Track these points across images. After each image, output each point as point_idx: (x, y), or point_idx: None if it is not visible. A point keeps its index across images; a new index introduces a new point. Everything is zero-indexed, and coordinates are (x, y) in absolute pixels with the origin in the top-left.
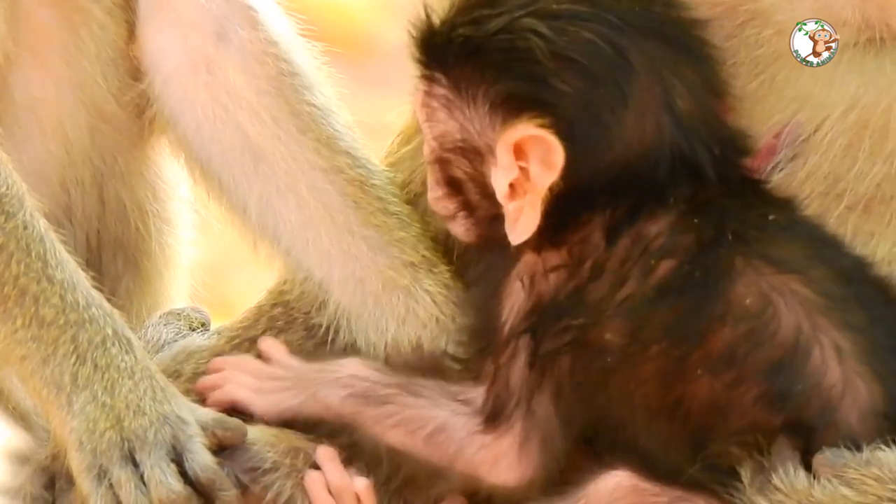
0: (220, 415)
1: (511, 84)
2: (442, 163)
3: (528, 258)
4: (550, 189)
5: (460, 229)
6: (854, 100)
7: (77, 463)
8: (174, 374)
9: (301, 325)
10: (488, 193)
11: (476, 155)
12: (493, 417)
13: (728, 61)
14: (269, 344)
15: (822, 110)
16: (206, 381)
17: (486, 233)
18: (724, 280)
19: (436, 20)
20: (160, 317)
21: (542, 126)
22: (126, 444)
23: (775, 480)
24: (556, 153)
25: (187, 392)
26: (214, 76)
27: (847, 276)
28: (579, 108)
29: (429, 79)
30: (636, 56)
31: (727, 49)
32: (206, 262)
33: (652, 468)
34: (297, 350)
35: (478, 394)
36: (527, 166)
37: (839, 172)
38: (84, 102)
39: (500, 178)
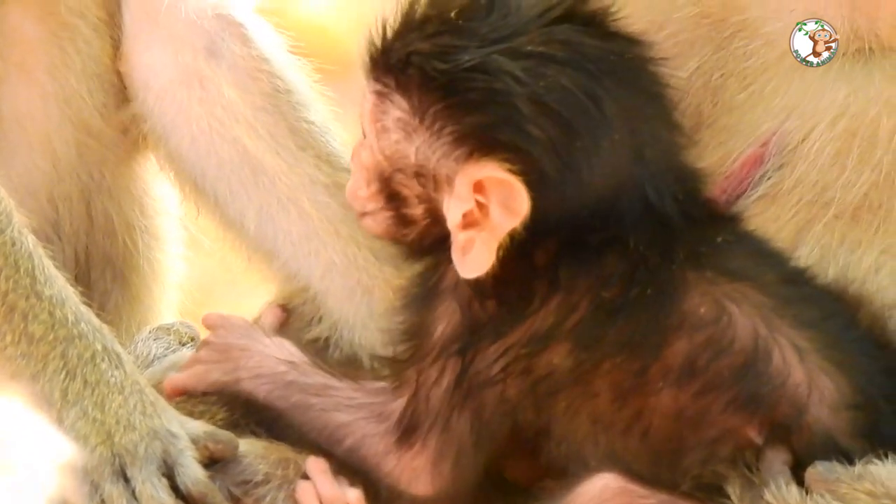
0: (212, 427)
1: (482, 122)
2: (384, 175)
3: (470, 283)
4: (510, 233)
5: (374, 224)
6: (843, 109)
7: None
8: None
9: (295, 340)
10: (434, 216)
11: (429, 180)
12: (408, 434)
13: (717, 73)
14: (269, 312)
15: (811, 119)
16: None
17: (419, 245)
18: (677, 293)
19: (394, 38)
20: (150, 332)
21: (510, 171)
22: (117, 459)
23: (767, 496)
24: (521, 200)
25: (178, 406)
26: (208, 91)
27: (795, 279)
28: (551, 156)
29: (383, 96)
30: (610, 106)
31: (716, 61)
32: (195, 277)
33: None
34: None
35: (396, 405)
36: (486, 203)
37: (827, 181)
38: (70, 118)
39: (454, 207)
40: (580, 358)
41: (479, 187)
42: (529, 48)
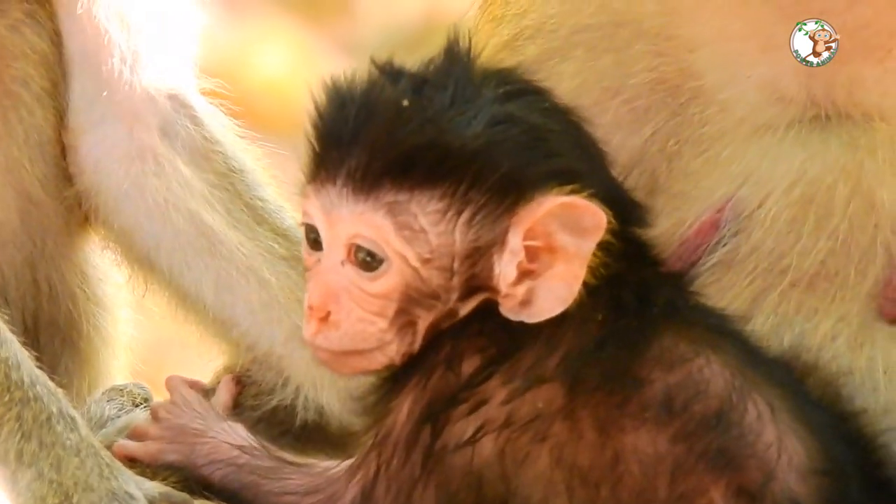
0: (167, 488)
1: (516, 166)
2: (415, 286)
3: (466, 342)
4: (603, 249)
5: (380, 359)
6: (799, 175)
7: None
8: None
9: (249, 408)
10: (469, 294)
11: (477, 255)
12: None
13: (672, 139)
14: (224, 385)
15: (767, 185)
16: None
17: (412, 348)
18: (658, 328)
19: (372, 153)
20: (102, 393)
21: (571, 192)
22: None
23: None
24: (593, 214)
25: (132, 466)
26: (163, 167)
27: (755, 342)
28: (588, 172)
29: (398, 205)
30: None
31: (672, 127)
32: (145, 339)
33: None
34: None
35: (350, 493)
36: (544, 244)
37: (783, 248)
38: (13, 185)
39: (507, 265)
40: (569, 394)
41: (531, 233)
42: (504, 96)
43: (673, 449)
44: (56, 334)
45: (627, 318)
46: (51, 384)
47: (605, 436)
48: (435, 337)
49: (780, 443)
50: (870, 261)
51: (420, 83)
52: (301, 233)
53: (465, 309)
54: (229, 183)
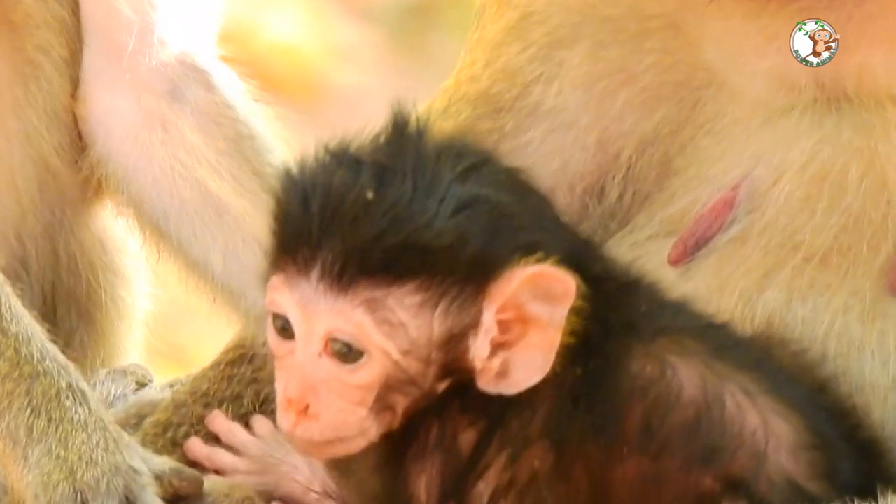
0: (177, 464)
1: (484, 246)
2: (396, 376)
3: (454, 421)
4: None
5: (359, 442)
6: (812, 155)
7: None
8: (131, 428)
9: (255, 385)
10: (445, 376)
11: (453, 340)
12: None
13: (685, 122)
14: (257, 420)
15: (781, 165)
16: (195, 448)
17: (390, 427)
18: (622, 361)
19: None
20: (106, 374)
21: (538, 261)
22: (79, 495)
23: None
24: (561, 280)
25: (142, 444)
26: (171, 134)
27: (721, 328)
28: (549, 238)
29: (375, 302)
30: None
31: (686, 112)
32: (159, 313)
33: None
34: (251, 409)
35: None
36: (515, 316)
37: (796, 225)
38: (31, 156)
39: (481, 344)
40: (558, 452)
41: (503, 308)
42: (463, 176)
43: (657, 464)
44: (73, 306)
45: (594, 361)
46: (62, 358)
47: (597, 480)
48: (417, 416)
49: (765, 426)
50: (882, 237)
51: (379, 172)
52: (268, 321)
53: (442, 387)
54: (238, 149)
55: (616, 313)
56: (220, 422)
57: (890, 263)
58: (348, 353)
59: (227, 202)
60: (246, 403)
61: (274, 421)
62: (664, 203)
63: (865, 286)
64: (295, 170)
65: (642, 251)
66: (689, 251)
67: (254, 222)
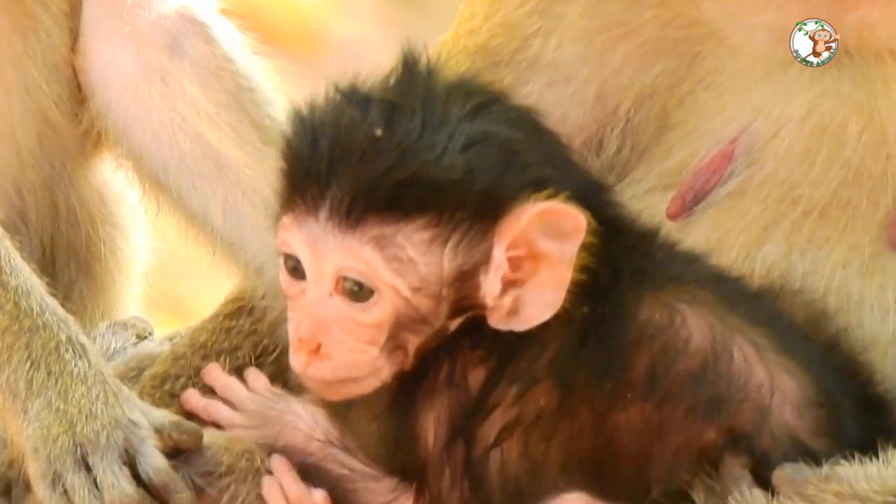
0: (177, 417)
1: (494, 182)
2: (406, 314)
3: (463, 357)
4: (587, 251)
5: (372, 382)
6: (811, 108)
7: (33, 470)
8: (130, 381)
9: (253, 337)
10: (456, 314)
11: (465, 276)
12: None
13: (683, 76)
14: (251, 374)
15: (780, 118)
16: (192, 400)
17: (403, 367)
18: (632, 306)
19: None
20: (106, 327)
21: (549, 197)
22: (79, 448)
23: (731, 502)
24: (572, 217)
25: (140, 397)
26: (170, 87)
27: (733, 279)
28: (560, 175)
29: (385, 239)
30: (553, 141)
31: (685, 66)
32: (158, 265)
33: None
34: (248, 361)
35: None
36: (526, 252)
37: (796, 178)
38: (31, 108)
39: (492, 280)
40: (564, 391)
41: (513, 244)
42: (472, 113)
43: (660, 413)
44: (72, 259)
45: (603, 304)
46: (61, 311)
47: (600, 423)
48: (428, 355)
49: (771, 381)
50: (881, 191)
51: (388, 109)
52: (280, 261)
53: (454, 325)
54: (237, 101)
55: (628, 259)
56: (216, 375)
57: (889, 218)
58: (359, 292)
59: (226, 155)
60: (244, 355)
61: (271, 373)
62: (662, 156)
63: (865, 240)
64: (304, 110)
65: (641, 205)
66: (687, 205)
67: (253, 175)
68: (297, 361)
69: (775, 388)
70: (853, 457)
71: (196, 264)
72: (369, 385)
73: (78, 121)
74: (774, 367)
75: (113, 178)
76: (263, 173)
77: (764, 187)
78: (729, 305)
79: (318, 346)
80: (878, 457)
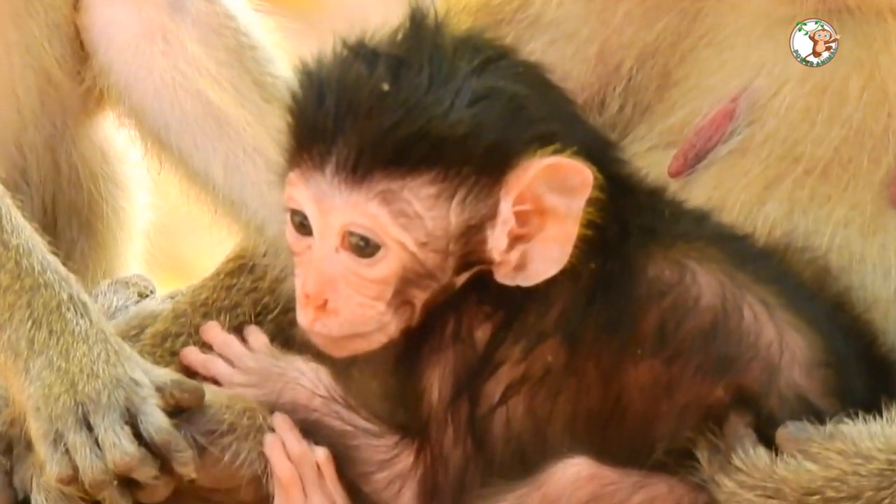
0: (179, 376)
1: (502, 137)
2: (412, 268)
3: (469, 313)
4: (594, 206)
5: (379, 338)
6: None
7: (34, 429)
8: (132, 339)
9: (254, 295)
10: (463, 269)
11: (471, 231)
12: (430, 496)
13: (685, 34)
14: (251, 332)
15: (781, 76)
16: (191, 355)
17: (410, 322)
18: (641, 262)
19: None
20: (108, 285)
21: (555, 152)
22: (80, 407)
23: (735, 460)
24: (578, 171)
25: (140, 354)
26: (171, 45)
27: (741, 237)
28: (566, 130)
29: (391, 194)
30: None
31: (686, 23)
32: (160, 223)
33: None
34: (248, 319)
35: (413, 468)
36: (533, 207)
37: (797, 136)
38: (32, 66)
39: (498, 235)
40: (571, 347)
41: (520, 199)
42: (479, 68)
43: (669, 370)
44: (74, 217)
45: (612, 261)
46: (63, 270)
47: (609, 380)
48: (434, 311)
49: (780, 339)
50: (883, 149)
51: (396, 64)
52: (286, 217)
53: (461, 281)
54: (239, 59)
55: (636, 215)
56: (214, 333)
57: (891, 176)
58: (365, 247)
59: (227, 113)
60: (244, 313)
61: (271, 332)
62: (664, 114)
63: (866, 199)
64: (311, 65)
65: (643, 163)
66: (689, 163)
67: (254, 133)
68: (303, 317)
69: (784, 347)
70: (857, 415)
71: (198, 222)
72: (376, 341)
73: (80, 79)
74: (784, 325)
75: (115, 137)
76: (265, 131)
77: (765, 145)
78: (738, 263)
79: (325, 302)
80: (881, 415)
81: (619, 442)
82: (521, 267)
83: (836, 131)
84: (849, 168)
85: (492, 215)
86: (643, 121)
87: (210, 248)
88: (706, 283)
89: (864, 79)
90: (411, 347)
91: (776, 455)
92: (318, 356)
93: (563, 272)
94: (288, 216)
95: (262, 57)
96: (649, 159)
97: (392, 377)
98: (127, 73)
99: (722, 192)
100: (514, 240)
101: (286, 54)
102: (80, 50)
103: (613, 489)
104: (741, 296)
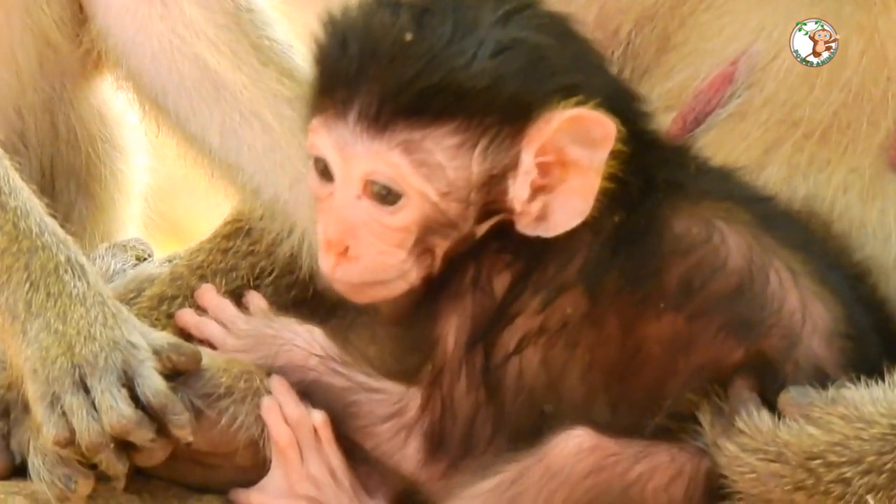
0: (176, 339)
1: (524, 88)
2: (434, 218)
3: (489, 261)
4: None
5: (401, 285)
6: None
7: (31, 391)
8: (129, 302)
9: (251, 258)
10: (483, 218)
11: (493, 181)
12: (436, 449)
13: (686, 1)
14: (251, 297)
15: (780, 40)
16: (185, 317)
17: (436, 274)
18: (667, 217)
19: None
20: (106, 248)
21: (578, 104)
22: (77, 370)
23: (738, 423)
24: (602, 124)
25: (138, 317)
26: (169, 9)
27: (767, 200)
28: (590, 82)
29: (414, 144)
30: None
31: None
32: (158, 187)
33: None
34: (246, 282)
35: (422, 424)
36: (556, 159)
37: (796, 100)
38: (31, 29)
39: (520, 185)
40: (592, 299)
41: (542, 150)
42: (503, 18)
43: (690, 327)
44: (72, 180)
45: (637, 214)
46: (60, 232)
47: (629, 332)
48: (455, 259)
49: (804, 308)
50: (882, 113)
51: (419, 14)
52: (310, 164)
53: (482, 231)
54: (236, 22)
55: (661, 169)
56: (209, 296)
57: (890, 140)
58: (387, 195)
59: (224, 77)
60: (241, 276)
61: (269, 295)
62: (663, 78)
63: (865, 163)
64: (336, 13)
65: None
66: (688, 127)
67: (251, 96)
68: (325, 263)
69: (807, 316)
70: (859, 380)
71: (195, 186)
72: (397, 288)
73: (78, 42)
74: (808, 294)
75: (113, 100)
76: (261, 94)
77: (764, 109)
78: (765, 226)
79: (346, 249)
80: (883, 380)
81: (633, 396)
82: (542, 217)
83: (836, 95)
84: (848, 132)
85: (514, 165)
86: (642, 84)
87: (207, 212)
88: (734, 244)
89: (864, 42)
90: (431, 295)
91: (779, 419)
92: (313, 319)
93: (585, 224)
94: (311, 162)
95: (260, 20)
96: None
97: (405, 325)
98: (125, 35)
99: (721, 156)
100: (536, 190)
101: (284, 18)
102: (78, 12)
103: (615, 460)
104: (768, 260)
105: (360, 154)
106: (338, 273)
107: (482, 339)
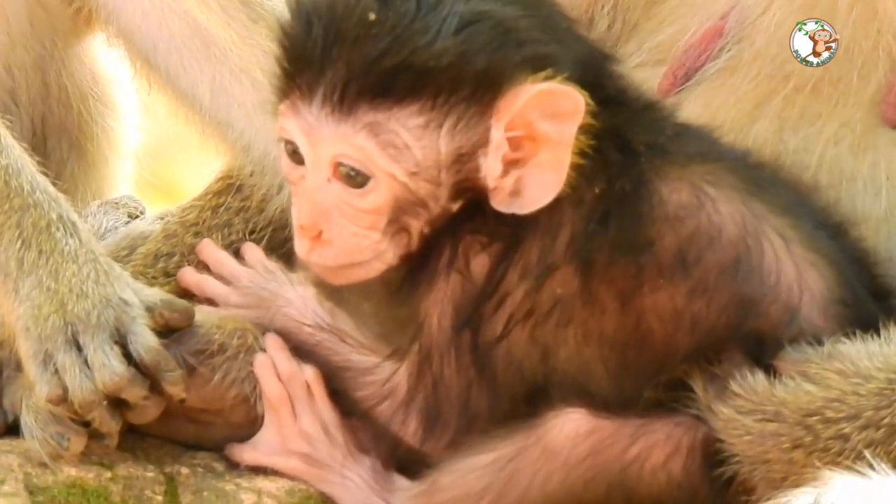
0: (169, 296)
1: (490, 63)
2: (405, 197)
3: (465, 242)
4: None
5: (377, 266)
6: None
7: (24, 349)
8: (122, 259)
9: (244, 214)
10: (457, 196)
11: (463, 158)
12: (432, 425)
13: None
14: (248, 248)
15: None
16: (187, 276)
17: (415, 253)
18: (653, 181)
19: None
20: (98, 206)
21: (547, 78)
22: (69, 328)
23: (733, 386)
24: (569, 97)
25: (133, 275)
26: None
27: (752, 161)
28: (560, 53)
29: (379, 125)
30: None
31: None
32: (149, 145)
33: (604, 405)
34: (241, 237)
35: (416, 403)
36: (525, 133)
37: (787, 54)
38: None
39: (492, 161)
40: (584, 276)
41: (512, 125)
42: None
43: (691, 305)
44: (64, 138)
45: (621, 181)
46: (52, 190)
47: (626, 303)
48: (432, 239)
49: (800, 280)
50: (872, 67)
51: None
52: (280, 148)
53: (456, 206)
54: None
55: (638, 134)
56: (209, 250)
57: (881, 93)
58: (356, 177)
59: (214, 34)
60: (236, 231)
61: (265, 249)
62: (652, 31)
63: (856, 116)
64: None
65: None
66: (678, 81)
67: (241, 53)
68: (300, 248)
69: (804, 287)
70: (854, 335)
71: (187, 143)
72: (374, 269)
73: (73, 3)
74: (803, 263)
75: (105, 58)
76: (251, 51)
77: (755, 63)
78: (753, 190)
79: (320, 233)
80: (879, 334)
81: (633, 367)
82: (516, 193)
83: None
84: (839, 86)
85: (483, 142)
86: (632, 38)
87: (199, 169)
88: (727, 213)
89: None
90: (410, 274)
91: (774, 378)
92: (313, 280)
93: (564, 199)
94: (282, 145)
95: None
96: (639, 76)
97: (393, 301)
98: None
99: (712, 111)
100: (509, 164)
101: None
102: None
103: (611, 441)
104: (761, 229)
105: (327, 137)
106: (313, 257)
107: (467, 322)
